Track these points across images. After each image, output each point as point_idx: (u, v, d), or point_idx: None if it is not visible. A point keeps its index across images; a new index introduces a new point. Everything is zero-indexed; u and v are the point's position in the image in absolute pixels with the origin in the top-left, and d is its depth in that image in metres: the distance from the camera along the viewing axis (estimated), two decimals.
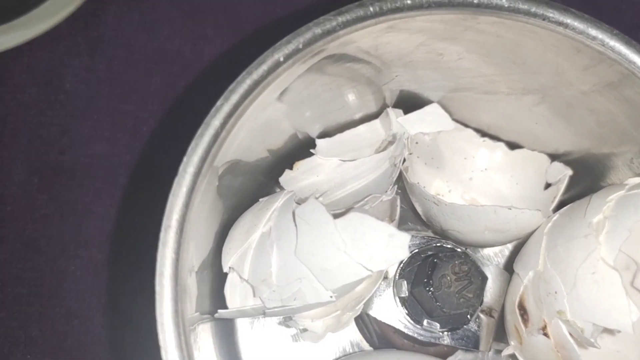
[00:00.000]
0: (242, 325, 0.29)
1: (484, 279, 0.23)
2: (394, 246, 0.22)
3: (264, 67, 0.20)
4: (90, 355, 0.33)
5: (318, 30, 0.21)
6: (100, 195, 0.35)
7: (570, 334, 0.22)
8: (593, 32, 0.22)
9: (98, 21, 0.37)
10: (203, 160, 0.20)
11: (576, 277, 0.21)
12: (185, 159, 0.19)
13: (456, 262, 0.23)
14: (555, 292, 0.22)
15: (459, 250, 0.24)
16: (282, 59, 0.21)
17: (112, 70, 0.37)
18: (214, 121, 0.20)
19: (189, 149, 0.20)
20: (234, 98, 0.20)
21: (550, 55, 0.23)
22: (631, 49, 0.21)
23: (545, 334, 0.23)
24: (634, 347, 0.24)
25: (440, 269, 0.23)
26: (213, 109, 0.20)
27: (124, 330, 0.33)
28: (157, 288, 0.18)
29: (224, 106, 0.20)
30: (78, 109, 0.36)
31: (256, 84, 0.20)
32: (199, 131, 0.20)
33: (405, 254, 0.22)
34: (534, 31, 0.22)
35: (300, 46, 0.21)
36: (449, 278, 0.23)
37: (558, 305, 0.22)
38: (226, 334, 0.29)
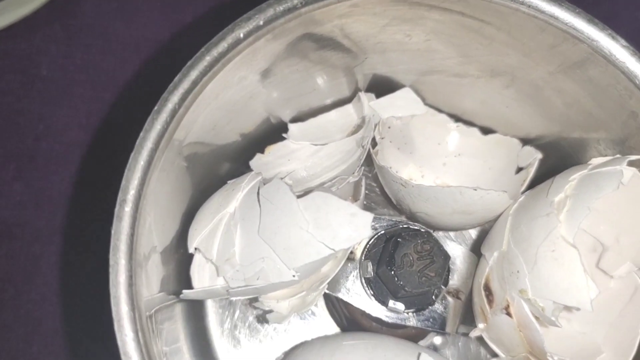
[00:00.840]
0: (213, 313, 0.29)
1: (447, 258, 0.23)
2: (357, 225, 0.21)
3: (224, 44, 0.20)
4: (65, 341, 0.33)
5: (279, 8, 0.21)
6: (76, 183, 0.35)
7: (532, 314, 0.22)
8: (556, 10, 0.22)
9: (76, 9, 0.37)
10: (160, 136, 0.20)
11: (537, 255, 0.21)
12: (142, 134, 0.19)
13: (419, 241, 0.23)
14: (518, 272, 0.22)
15: (422, 230, 0.24)
16: (242, 36, 0.21)
17: (90, 58, 0.37)
18: (172, 97, 0.20)
19: (146, 124, 0.20)
20: (193, 74, 0.20)
21: (515, 34, 0.23)
22: (593, 27, 0.21)
23: (508, 314, 0.23)
24: (600, 329, 0.24)
25: (402, 248, 0.23)
26: (171, 85, 0.20)
27: (101, 314, 0.33)
28: (112, 262, 0.18)
29: (182, 82, 0.20)
30: (54, 97, 0.36)
31: (216, 61, 0.20)
32: (157, 107, 0.20)
33: (367, 233, 0.22)
34: (499, 10, 0.22)
35: (261, 23, 0.21)
36: (411, 257, 0.23)
37: (520, 284, 0.22)
38: (197, 320, 0.29)
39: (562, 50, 0.23)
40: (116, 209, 0.19)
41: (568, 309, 0.23)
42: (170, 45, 0.38)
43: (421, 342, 0.28)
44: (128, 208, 0.18)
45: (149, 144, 0.19)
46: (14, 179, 0.35)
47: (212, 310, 0.28)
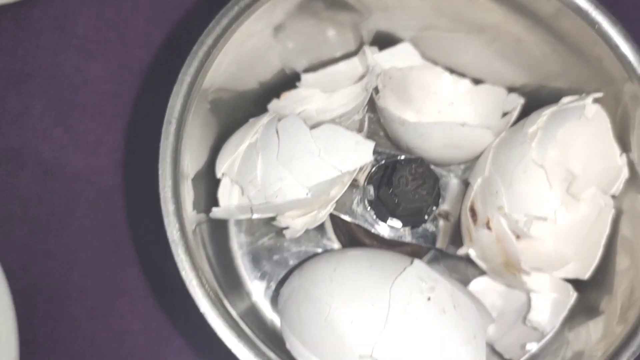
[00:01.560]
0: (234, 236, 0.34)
1: (436, 179, 0.28)
2: (361, 150, 0.26)
3: (236, 8, 0.24)
4: (102, 266, 0.37)
5: None
6: (110, 129, 0.39)
7: (509, 227, 0.26)
8: None
9: None
10: (197, 71, 0.24)
11: (512, 176, 0.26)
12: (183, 69, 0.23)
13: (412, 165, 0.27)
14: (496, 192, 0.26)
15: (414, 157, 0.28)
16: (243, 6, 0.25)
17: (120, 18, 0.41)
18: (207, 39, 0.24)
19: (186, 61, 0.24)
20: (224, 21, 0.24)
21: None
22: None
23: (489, 228, 0.27)
24: (569, 246, 0.28)
25: (399, 171, 0.27)
26: (206, 30, 0.24)
27: (136, 244, 0.38)
28: (161, 170, 0.22)
29: (215, 27, 0.24)
30: (89, 52, 0.40)
31: (242, 11, 0.24)
32: (194, 48, 0.24)
33: (369, 158, 0.26)
34: None
35: None
36: (406, 178, 0.27)
37: (498, 202, 0.26)
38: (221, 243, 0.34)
39: (538, 6, 0.27)
40: (164, 128, 0.23)
41: (546, 230, 0.27)
42: (192, 6, 0.42)
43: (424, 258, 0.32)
44: (173, 127, 0.22)
45: (188, 77, 0.23)
46: (55, 125, 0.39)
47: (234, 233, 0.33)
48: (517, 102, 0.32)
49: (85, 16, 0.41)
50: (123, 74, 0.40)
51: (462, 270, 0.32)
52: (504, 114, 0.32)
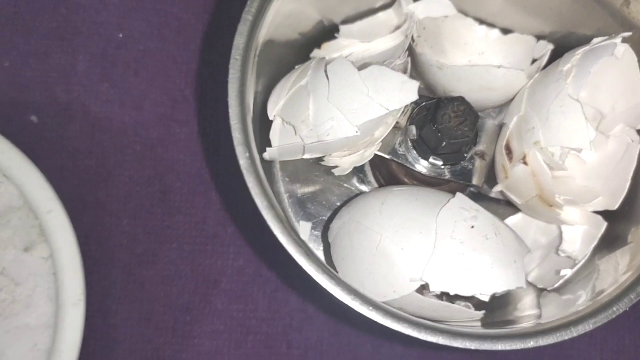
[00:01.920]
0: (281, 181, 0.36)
1: (477, 116, 0.29)
2: (406, 89, 0.27)
3: None
4: (150, 214, 0.39)
5: None
6: (153, 84, 0.41)
7: (544, 161, 0.28)
8: None
9: None
10: (257, 14, 0.25)
11: (548, 112, 0.27)
12: (246, 8, 0.25)
13: (455, 103, 0.29)
14: (533, 128, 0.28)
15: (457, 96, 0.30)
16: None
17: None
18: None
19: (246, 6, 0.25)
20: None
21: None
22: None
23: (525, 163, 0.29)
24: (598, 181, 0.30)
25: (442, 109, 0.29)
26: None
27: (180, 194, 0.40)
28: (230, 103, 0.24)
29: None
30: (129, 10, 0.42)
31: None
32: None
33: (414, 96, 0.28)
34: None
35: None
36: (449, 116, 0.29)
37: (535, 137, 0.28)
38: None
39: None
40: (230, 63, 0.24)
41: (575, 163, 0.29)
42: None
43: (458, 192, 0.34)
44: (239, 63, 0.24)
45: (249, 16, 0.25)
46: (100, 81, 0.41)
47: (280, 178, 0.35)
48: (546, 47, 0.33)
49: None
50: (162, 31, 0.42)
51: (495, 210, 0.34)
52: (534, 61, 0.34)
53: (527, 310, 0.30)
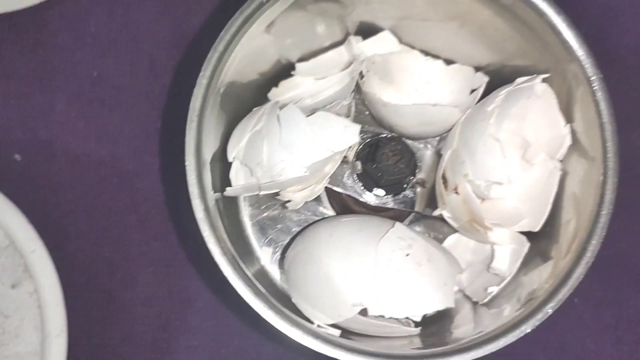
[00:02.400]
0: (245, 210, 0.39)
1: (412, 154, 0.33)
2: (348, 133, 0.31)
3: (252, 6, 0.29)
4: (129, 242, 0.42)
5: None
6: (127, 119, 0.44)
7: (472, 191, 0.31)
8: None
9: None
10: (212, 75, 0.28)
11: (475, 148, 0.31)
12: (201, 73, 0.28)
13: (392, 143, 0.32)
14: (463, 162, 0.31)
15: (395, 136, 0.33)
16: (264, 1, 0.29)
17: (128, 16, 0.45)
18: (219, 47, 0.29)
19: (203, 65, 0.28)
20: (232, 30, 0.29)
21: None
22: None
23: (457, 193, 0.32)
24: (526, 203, 0.33)
25: (381, 149, 0.32)
26: (218, 39, 0.29)
27: (155, 222, 0.43)
28: (187, 161, 0.27)
29: (225, 35, 0.29)
30: (103, 49, 0.44)
31: (246, 20, 0.29)
32: (209, 55, 0.29)
33: (356, 139, 0.31)
34: None
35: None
36: (387, 155, 0.32)
37: (464, 170, 0.31)
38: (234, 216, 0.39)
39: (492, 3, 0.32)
40: (187, 126, 0.28)
41: (501, 190, 0.33)
42: (193, 3, 0.46)
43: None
44: (195, 124, 0.28)
45: (204, 80, 0.28)
46: (78, 118, 0.43)
47: (244, 207, 0.38)
48: (482, 80, 0.36)
49: (97, 15, 0.45)
50: (135, 68, 0.45)
51: (439, 228, 0.37)
52: (472, 91, 0.37)
53: (464, 323, 0.34)
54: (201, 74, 0.28)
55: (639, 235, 0.43)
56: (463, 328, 0.34)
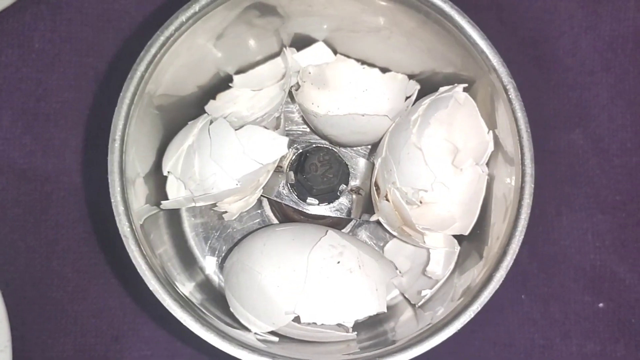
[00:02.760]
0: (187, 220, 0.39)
1: (341, 163, 0.33)
2: (276, 145, 0.31)
3: (172, 27, 0.30)
4: (78, 254, 0.43)
5: None
6: (72, 132, 0.44)
7: (401, 197, 0.32)
8: None
9: None
10: (134, 92, 0.29)
11: (400, 157, 0.31)
12: (121, 94, 0.29)
13: (320, 153, 0.33)
14: (390, 170, 0.32)
15: (324, 146, 0.34)
16: (184, 20, 0.30)
17: (71, 30, 0.45)
18: (140, 67, 0.29)
19: (123, 87, 0.29)
20: (152, 50, 0.29)
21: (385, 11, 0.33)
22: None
23: (387, 200, 0.33)
24: (457, 207, 0.34)
25: (309, 159, 0.33)
26: (137, 59, 0.29)
27: (105, 233, 0.43)
28: (110, 179, 0.28)
29: (145, 56, 0.29)
30: (47, 64, 0.45)
31: (167, 39, 0.30)
32: (129, 75, 0.29)
33: (284, 151, 0.32)
34: None
35: (197, 9, 0.30)
36: (315, 165, 0.33)
37: (392, 178, 0.32)
38: (176, 227, 0.39)
39: (411, 14, 0.32)
40: (109, 145, 0.28)
41: (433, 195, 0.33)
42: (136, 14, 0.46)
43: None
44: (117, 144, 0.28)
45: (126, 100, 0.29)
46: (23, 134, 0.44)
47: (186, 218, 0.38)
48: (414, 88, 0.37)
49: (40, 31, 0.45)
50: (79, 82, 0.45)
51: (381, 233, 0.38)
52: (407, 98, 0.38)
53: (405, 325, 0.35)
54: (122, 93, 0.29)
55: (582, 231, 0.44)
56: (404, 330, 0.34)
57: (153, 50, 0.29)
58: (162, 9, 0.46)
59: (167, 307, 0.28)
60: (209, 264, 0.38)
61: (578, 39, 0.45)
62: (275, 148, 0.31)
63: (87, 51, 0.45)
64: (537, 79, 0.44)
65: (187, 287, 0.33)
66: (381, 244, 0.38)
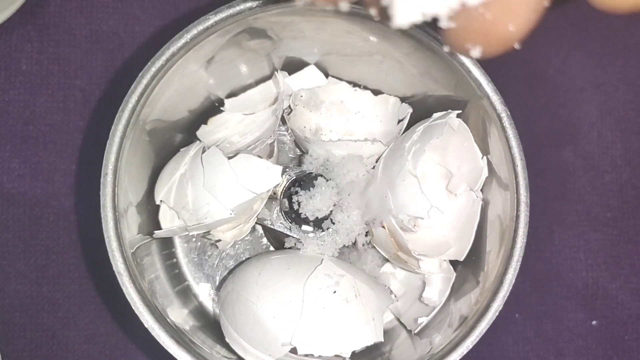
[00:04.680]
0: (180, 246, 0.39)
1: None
2: (270, 175, 0.31)
3: (163, 58, 0.29)
4: (69, 279, 0.42)
5: (199, 27, 0.30)
6: (62, 155, 0.44)
7: (397, 224, 0.32)
8: None
9: (43, 10, 0.45)
10: (127, 123, 0.29)
11: (395, 184, 0.31)
12: (112, 127, 0.28)
13: (313, 182, 0.33)
14: (386, 197, 0.32)
15: (316, 173, 0.34)
16: (176, 50, 0.30)
17: (59, 52, 0.45)
18: (131, 99, 0.29)
19: (115, 120, 0.29)
20: (144, 82, 0.29)
21: (377, 30, 0.33)
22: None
23: (383, 227, 0.33)
24: (452, 232, 0.34)
25: (301, 187, 0.33)
26: (130, 90, 0.29)
27: (95, 258, 0.43)
28: (102, 214, 0.27)
29: (137, 87, 0.29)
30: (35, 87, 0.44)
31: (158, 70, 0.29)
32: (121, 107, 0.29)
33: (278, 180, 0.31)
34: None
35: (188, 39, 0.30)
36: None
37: (388, 205, 0.32)
38: (169, 253, 0.39)
39: (403, 42, 0.32)
40: (101, 179, 0.28)
41: (428, 220, 0.33)
42: (125, 35, 0.46)
43: None
44: (109, 177, 0.28)
45: (118, 132, 0.28)
46: (11, 157, 0.43)
47: (179, 244, 0.38)
48: (406, 111, 0.37)
49: (28, 53, 0.45)
50: (68, 104, 0.45)
51: (372, 257, 0.38)
52: (399, 121, 0.38)
53: (402, 351, 0.34)
54: (113, 127, 0.29)
55: (574, 249, 0.44)
56: (401, 357, 0.34)
57: (144, 82, 0.29)
58: (151, 31, 0.46)
59: (163, 344, 0.28)
60: (203, 291, 0.37)
61: (568, 56, 0.45)
62: (269, 177, 0.31)
63: (75, 73, 0.45)
64: (527, 97, 0.45)
65: (180, 315, 0.32)
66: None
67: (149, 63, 0.29)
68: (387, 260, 0.36)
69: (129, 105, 0.28)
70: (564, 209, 0.45)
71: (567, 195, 0.45)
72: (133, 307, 0.28)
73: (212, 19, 0.30)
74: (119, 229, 0.28)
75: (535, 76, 0.46)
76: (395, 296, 0.36)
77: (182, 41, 0.30)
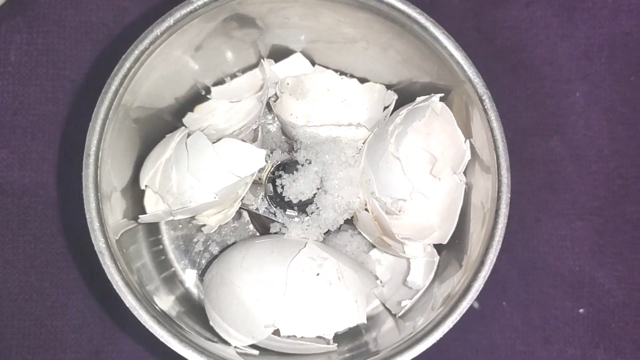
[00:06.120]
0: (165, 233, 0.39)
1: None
2: (254, 158, 0.31)
3: (146, 41, 0.29)
4: (57, 269, 0.42)
5: (182, 11, 0.30)
6: (50, 145, 0.44)
7: (380, 207, 0.32)
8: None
9: (33, 1, 0.45)
10: (109, 107, 0.29)
11: (378, 167, 0.32)
12: (95, 109, 0.28)
13: (297, 166, 0.33)
14: (369, 180, 0.32)
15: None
16: (159, 33, 0.30)
17: (49, 43, 0.45)
18: (114, 81, 0.29)
19: (97, 103, 0.29)
20: (127, 64, 0.29)
21: (360, 22, 0.33)
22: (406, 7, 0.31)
23: (367, 210, 0.33)
24: (435, 216, 0.34)
25: (285, 172, 0.33)
26: (112, 72, 0.29)
27: (84, 247, 0.43)
28: (85, 195, 0.28)
29: (120, 70, 0.29)
30: (24, 77, 0.44)
31: (141, 53, 0.29)
32: (104, 89, 0.29)
33: (262, 164, 0.32)
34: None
35: (172, 22, 0.30)
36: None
37: (371, 188, 0.32)
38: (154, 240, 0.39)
39: (386, 26, 0.33)
40: (84, 160, 0.28)
41: (413, 204, 0.34)
42: (114, 26, 0.46)
43: None
44: (92, 159, 0.28)
45: (101, 114, 0.29)
46: (0, 148, 0.43)
47: (165, 231, 0.38)
48: (392, 97, 0.37)
49: (17, 44, 0.45)
50: (56, 94, 0.45)
51: (362, 239, 0.38)
52: (385, 108, 0.38)
53: (387, 335, 0.35)
54: (96, 108, 0.29)
55: (561, 238, 0.44)
56: (386, 340, 0.34)
57: (127, 65, 0.29)
58: (140, 22, 0.46)
59: (144, 323, 0.28)
60: (189, 277, 0.37)
61: (554, 47, 0.45)
62: (253, 161, 0.31)
63: (64, 64, 0.45)
64: (514, 88, 0.45)
65: (166, 301, 0.33)
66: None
67: (132, 46, 0.29)
68: (374, 246, 0.36)
69: (112, 87, 0.29)
70: (551, 198, 0.45)
71: (554, 184, 0.45)
72: (114, 287, 0.28)
73: (195, 2, 0.30)
74: (101, 211, 0.28)
75: (522, 67, 0.46)
76: (381, 282, 0.36)
77: (165, 24, 0.30)
